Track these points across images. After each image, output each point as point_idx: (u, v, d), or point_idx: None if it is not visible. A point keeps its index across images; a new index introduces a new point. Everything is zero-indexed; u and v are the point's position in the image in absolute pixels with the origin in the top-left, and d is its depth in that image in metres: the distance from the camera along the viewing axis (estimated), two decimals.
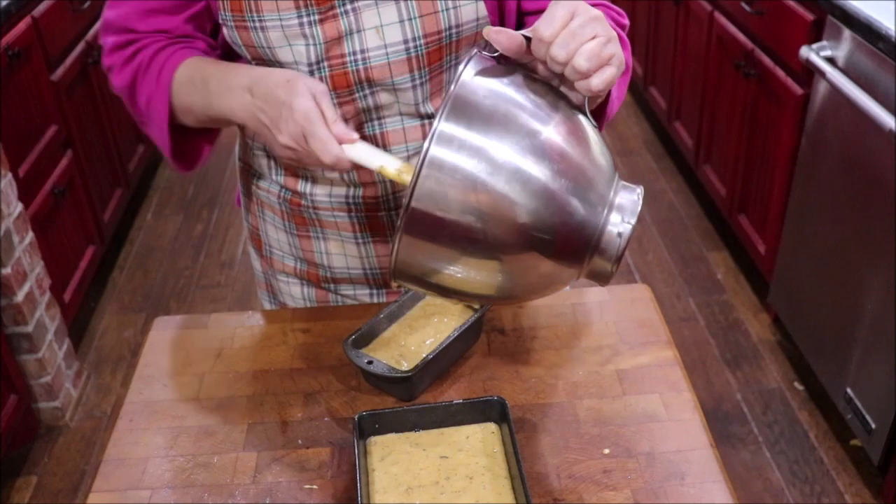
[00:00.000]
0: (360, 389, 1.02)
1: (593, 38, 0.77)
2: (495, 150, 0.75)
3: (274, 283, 1.26)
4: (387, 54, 0.99)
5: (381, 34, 0.98)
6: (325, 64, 0.99)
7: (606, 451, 0.92)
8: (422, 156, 0.74)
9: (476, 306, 1.06)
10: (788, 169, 2.28)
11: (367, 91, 1.02)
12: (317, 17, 0.97)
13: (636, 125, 3.76)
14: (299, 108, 0.89)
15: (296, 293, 1.24)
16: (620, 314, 1.12)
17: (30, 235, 2.16)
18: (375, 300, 1.20)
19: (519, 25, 1.06)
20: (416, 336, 1.04)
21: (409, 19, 0.98)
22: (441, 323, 1.05)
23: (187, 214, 3.26)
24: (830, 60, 1.97)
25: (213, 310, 2.72)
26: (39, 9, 2.38)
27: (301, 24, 0.97)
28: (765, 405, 2.29)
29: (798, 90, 2.16)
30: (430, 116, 1.05)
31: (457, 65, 1.02)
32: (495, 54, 0.81)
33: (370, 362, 0.99)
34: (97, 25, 2.76)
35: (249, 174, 1.19)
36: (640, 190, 0.81)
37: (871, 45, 1.81)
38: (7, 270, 2.02)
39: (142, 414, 1.01)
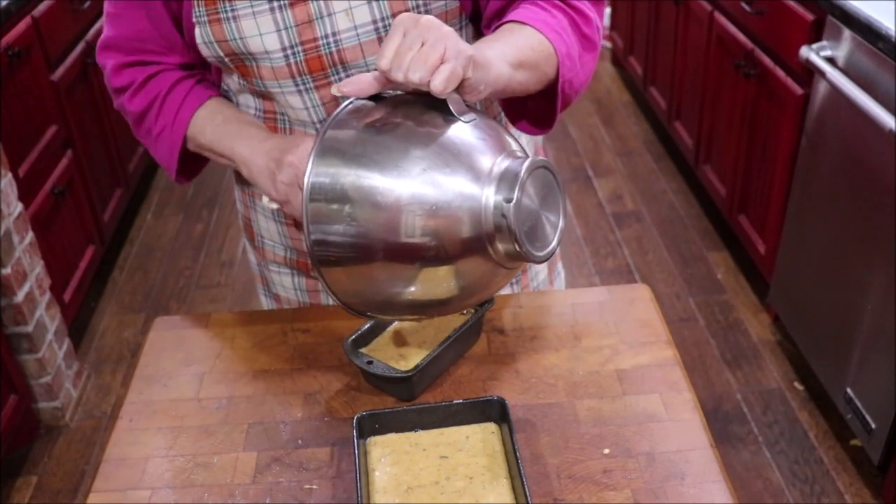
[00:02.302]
0: (360, 389, 1.02)
1: (421, 48, 0.80)
2: (355, 178, 0.82)
3: (267, 273, 1.28)
4: (357, 35, 1.01)
5: (351, 16, 1.00)
6: (300, 48, 1.02)
7: (606, 451, 0.92)
8: (303, 196, 0.84)
9: (466, 310, 1.06)
10: (788, 169, 2.28)
11: (342, 73, 1.04)
12: (287, 0, 1.00)
13: (636, 125, 3.76)
14: (306, 144, 0.99)
15: (286, 283, 1.26)
16: (620, 314, 1.12)
17: (30, 235, 2.16)
18: None
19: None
20: (416, 336, 1.04)
21: (377, 0, 1.00)
22: (441, 323, 1.05)
23: (187, 214, 3.26)
24: (830, 60, 1.97)
25: (213, 310, 2.72)
26: (39, 9, 2.38)
27: (272, 10, 1.00)
28: (765, 405, 2.29)
29: (798, 90, 2.16)
30: None
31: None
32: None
33: (370, 362, 0.99)
34: (97, 25, 2.76)
35: None
36: (527, 161, 0.82)
37: (871, 45, 1.81)
38: (7, 270, 2.02)
39: (142, 414, 1.01)
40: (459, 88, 0.83)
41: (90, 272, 2.63)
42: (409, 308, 0.89)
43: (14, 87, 2.20)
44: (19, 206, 2.11)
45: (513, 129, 1.12)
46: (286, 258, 1.22)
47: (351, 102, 0.89)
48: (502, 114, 1.23)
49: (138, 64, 1.12)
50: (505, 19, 1.00)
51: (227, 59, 1.05)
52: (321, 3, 1.00)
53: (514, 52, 0.93)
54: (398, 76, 0.80)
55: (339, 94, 0.85)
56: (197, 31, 1.03)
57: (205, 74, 1.14)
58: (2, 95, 2.13)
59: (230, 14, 1.01)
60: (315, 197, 0.83)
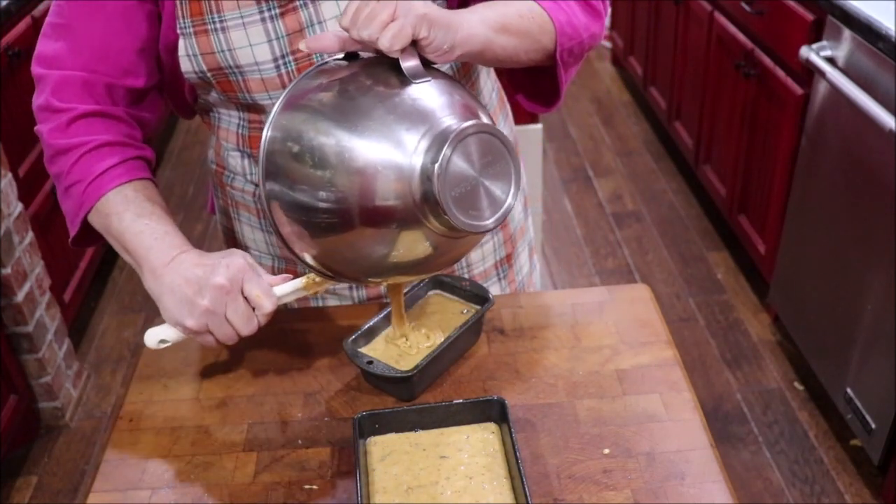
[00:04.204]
0: (360, 389, 1.02)
1: (373, 7, 0.80)
2: (305, 132, 0.81)
3: None
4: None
5: None
6: (290, 58, 1.00)
7: (606, 451, 0.92)
8: (262, 148, 0.83)
9: (464, 309, 1.06)
10: (788, 169, 2.28)
11: None
12: (277, 10, 0.98)
13: (636, 125, 3.76)
14: (235, 263, 0.91)
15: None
16: (620, 314, 1.12)
17: (30, 235, 2.16)
18: (354, 292, 1.19)
19: None
20: (416, 336, 1.04)
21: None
22: (441, 323, 1.05)
23: (187, 214, 3.26)
24: (830, 60, 1.97)
25: None
26: (39, 9, 2.39)
27: (263, 20, 0.98)
28: (765, 405, 2.29)
29: (798, 90, 2.16)
30: None
31: None
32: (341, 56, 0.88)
33: (370, 362, 0.99)
34: None
35: (224, 176, 1.19)
36: (465, 123, 0.79)
37: (871, 45, 1.81)
38: (7, 270, 2.02)
39: (142, 414, 1.01)
40: (420, 49, 0.82)
41: (90, 272, 2.63)
42: (365, 270, 0.88)
43: (14, 87, 2.20)
44: (19, 206, 2.11)
45: (507, 107, 1.09)
46: (274, 267, 1.20)
47: (325, 63, 0.88)
48: (496, 91, 1.21)
49: (89, 88, 1.00)
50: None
51: (209, 74, 1.01)
52: (311, 10, 0.99)
53: (496, 16, 0.92)
54: (355, 36, 0.81)
55: (305, 49, 0.85)
56: (181, 43, 1.00)
57: (142, 150, 1.04)
58: (2, 95, 2.13)
59: (218, 25, 0.98)
60: (270, 147, 0.83)
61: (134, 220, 0.97)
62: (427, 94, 0.82)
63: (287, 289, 0.94)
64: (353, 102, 0.81)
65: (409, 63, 0.82)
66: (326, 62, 0.88)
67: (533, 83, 1.08)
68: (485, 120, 0.84)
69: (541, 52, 0.97)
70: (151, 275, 0.94)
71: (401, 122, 0.80)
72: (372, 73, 0.84)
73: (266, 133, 0.84)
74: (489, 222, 0.82)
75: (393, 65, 0.83)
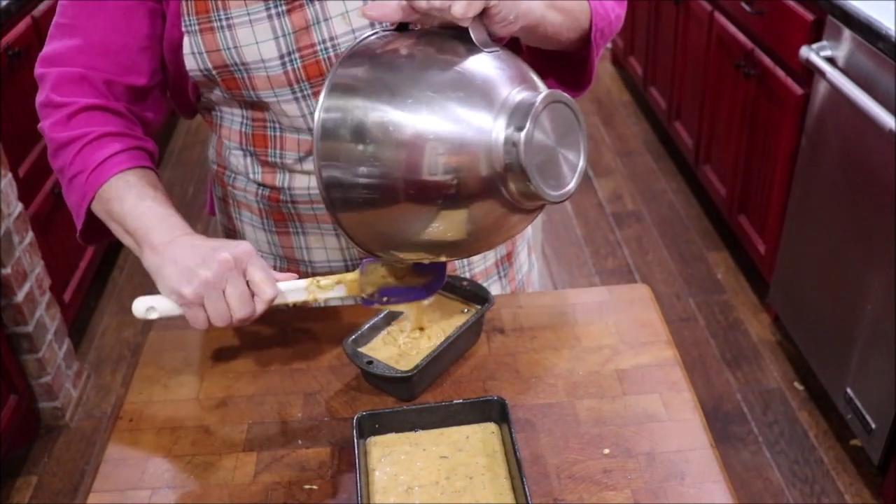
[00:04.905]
0: (360, 389, 1.02)
1: None
2: (366, 111, 0.79)
3: None
4: (355, 38, 1.00)
5: (348, 19, 1.00)
6: (297, 55, 1.01)
7: (606, 451, 0.92)
8: (316, 122, 0.81)
9: (464, 309, 1.06)
10: (788, 169, 2.28)
11: None
12: (284, 7, 0.99)
13: (636, 125, 3.76)
14: (243, 246, 0.90)
15: None
16: (620, 314, 1.12)
17: (30, 235, 2.16)
18: None
19: None
20: (417, 336, 1.04)
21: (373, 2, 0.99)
22: (441, 322, 1.05)
23: (187, 214, 3.22)
24: (830, 60, 1.97)
25: None
26: (39, 9, 2.38)
27: (269, 17, 0.99)
28: (765, 405, 2.29)
29: (798, 90, 2.16)
30: None
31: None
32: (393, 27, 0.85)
33: (370, 362, 0.99)
34: None
35: (225, 176, 1.19)
36: (544, 93, 0.78)
37: (871, 45, 1.81)
38: (7, 270, 2.02)
39: (142, 414, 1.01)
40: (487, 19, 0.81)
41: (90, 272, 2.63)
42: (422, 247, 0.86)
43: (14, 87, 2.20)
44: (19, 206, 2.11)
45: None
46: (276, 267, 1.20)
47: (370, 35, 0.86)
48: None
49: (88, 83, 1.00)
50: None
51: (214, 72, 1.02)
52: (317, 7, 0.99)
53: None
54: (421, 3, 0.78)
55: (365, 17, 0.83)
56: (186, 41, 1.00)
57: (143, 142, 1.04)
58: (2, 95, 2.13)
59: (224, 22, 0.99)
60: (326, 134, 0.80)
61: (136, 203, 0.96)
62: (497, 63, 0.81)
63: (290, 286, 0.94)
64: (425, 74, 0.79)
65: (479, 32, 0.81)
66: (371, 35, 0.86)
67: (563, 67, 1.08)
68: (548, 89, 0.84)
69: (578, 32, 0.98)
70: (152, 251, 0.92)
71: (480, 93, 0.79)
72: (437, 43, 0.82)
73: (320, 114, 0.81)
74: (570, 187, 0.82)
75: (455, 35, 0.81)
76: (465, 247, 0.88)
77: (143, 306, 0.91)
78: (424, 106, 0.78)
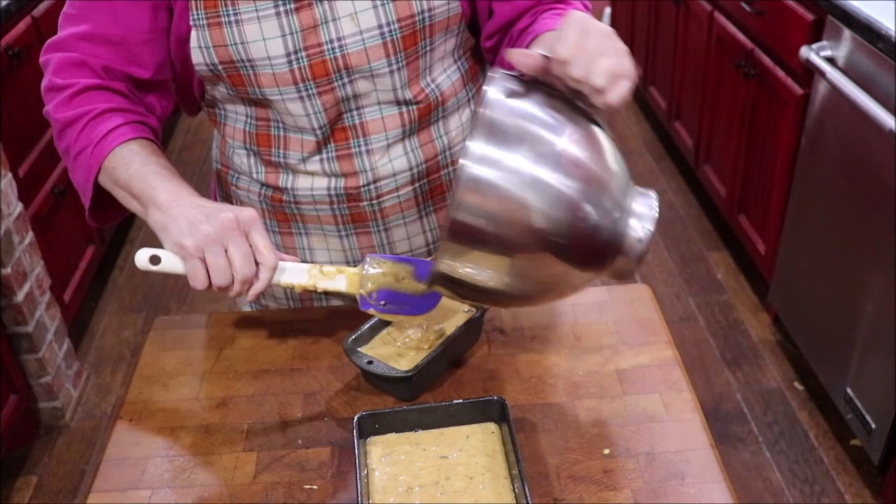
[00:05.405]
0: (360, 389, 1.02)
1: (606, 55, 0.78)
2: (522, 165, 0.78)
3: None
4: (363, 40, 1.01)
5: (356, 20, 1.00)
6: (303, 54, 1.01)
7: (606, 451, 0.92)
8: (460, 172, 0.77)
9: (477, 307, 1.06)
10: (788, 169, 2.28)
11: (346, 79, 1.03)
12: (293, 5, 0.99)
13: (636, 125, 3.76)
14: (249, 211, 0.91)
15: (278, 293, 1.24)
16: (620, 314, 1.12)
17: (30, 235, 2.16)
18: None
19: (488, 12, 1.08)
20: (417, 336, 1.04)
21: (382, 4, 1.00)
22: (441, 322, 1.05)
23: None
24: (830, 60, 1.97)
25: (213, 310, 2.72)
26: (39, 9, 2.38)
27: (278, 14, 0.99)
28: (765, 405, 2.29)
29: (798, 90, 2.16)
30: (408, 103, 1.08)
31: (480, 85, 1.05)
32: (514, 73, 0.83)
33: (370, 362, 0.99)
34: None
35: (228, 176, 1.19)
36: (654, 195, 0.85)
37: (871, 45, 1.81)
38: (7, 270, 2.02)
39: (142, 414, 1.01)
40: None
41: (90, 272, 2.63)
42: (504, 298, 0.87)
43: (14, 88, 2.20)
44: (19, 206, 2.11)
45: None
46: None
47: (493, 80, 0.82)
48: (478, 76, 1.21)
49: (88, 67, 1.01)
50: (537, 31, 0.99)
51: (220, 67, 1.02)
52: (326, 7, 0.99)
53: None
54: (577, 73, 0.78)
55: (511, 60, 0.82)
56: (193, 34, 1.01)
57: (146, 118, 1.04)
58: (2, 95, 2.13)
59: (233, 18, 0.99)
60: (471, 186, 0.76)
61: (140, 167, 0.97)
62: (610, 144, 0.84)
63: (292, 265, 0.94)
64: (572, 153, 0.80)
65: (602, 118, 0.84)
66: (496, 78, 0.82)
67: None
68: None
69: None
70: (157, 209, 0.93)
71: (618, 182, 0.82)
72: (569, 114, 0.82)
73: (469, 170, 0.77)
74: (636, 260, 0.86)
75: (576, 107, 0.82)
76: (530, 300, 0.91)
77: (146, 256, 0.92)
78: (571, 181, 0.79)
